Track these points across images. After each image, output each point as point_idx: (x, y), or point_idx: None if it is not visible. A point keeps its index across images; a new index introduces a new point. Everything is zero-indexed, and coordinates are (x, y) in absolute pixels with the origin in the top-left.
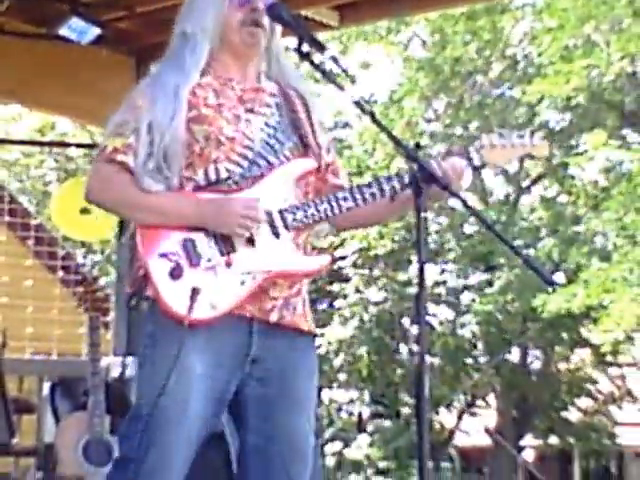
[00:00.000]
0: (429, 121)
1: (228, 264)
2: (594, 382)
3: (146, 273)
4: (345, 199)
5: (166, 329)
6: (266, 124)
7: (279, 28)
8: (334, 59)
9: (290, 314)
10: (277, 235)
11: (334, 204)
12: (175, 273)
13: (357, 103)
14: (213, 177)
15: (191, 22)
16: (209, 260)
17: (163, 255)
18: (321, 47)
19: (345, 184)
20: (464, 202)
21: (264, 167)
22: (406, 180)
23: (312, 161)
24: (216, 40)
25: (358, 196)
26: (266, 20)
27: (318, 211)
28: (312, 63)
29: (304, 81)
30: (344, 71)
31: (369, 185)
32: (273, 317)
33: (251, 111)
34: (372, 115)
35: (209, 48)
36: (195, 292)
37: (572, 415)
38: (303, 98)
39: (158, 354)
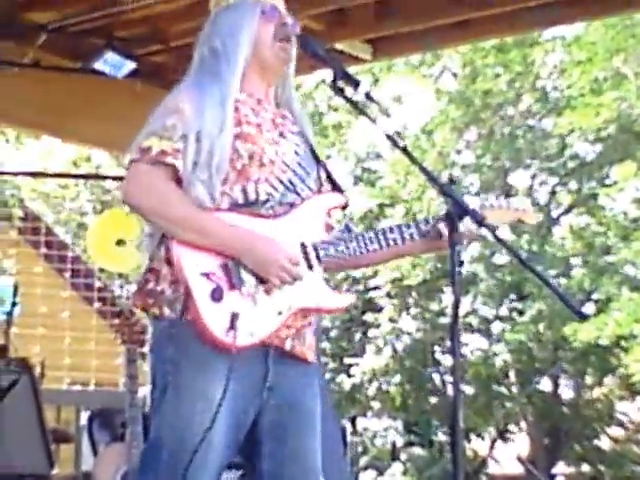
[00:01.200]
0: (460, 152)
1: (267, 292)
2: (624, 411)
3: (187, 292)
4: (371, 241)
5: (190, 355)
6: (296, 152)
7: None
8: (367, 95)
9: (300, 344)
10: (311, 268)
11: (362, 244)
12: (216, 295)
13: (389, 137)
14: (252, 197)
15: (221, 38)
16: (251, 286)
17: (204, 274)
18: (355, 82)
19: (334, 225)
20: (496, 236)
21: (295, 195)
22: (425, 230)
23: (342, 197)
24: (249, 56)
25: (382, 240)
26: (294, 41)
27: (347, 249)
28: (346, 98)
29: (303, 108)
30: (377, 105)
31: (392, 230)
32: (287, 345)
33: (282, 136)
34: (405, 150)
35: (243, 62)
36: (235, 317)
37: (603, 443)
38: (300, 124)
39: (182, 382)
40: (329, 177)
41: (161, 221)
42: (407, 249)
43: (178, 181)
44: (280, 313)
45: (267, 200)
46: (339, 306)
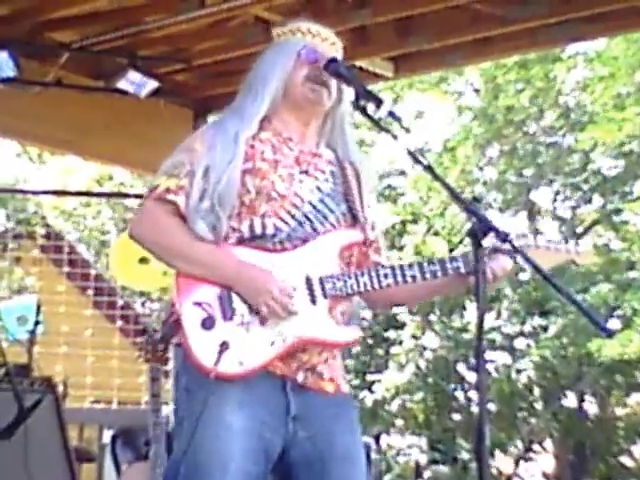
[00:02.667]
0: (482, 169)
1: (262, 322)
2: None
3: (178, 319)
4: (386, 276)
5: (199, 382)
6: (317, 188)
7: (347, 97)
8: (391, 113)
9: (315, 378)
10: (314, 302)
11: (374, 279)
12: (207, 324)
13: (412, 154)
14: (259, 231)
15: (255, 74)
16: (242, 316)
17: (197, 304)
18: (378, 101)
19: (385, 263)
20: (521, 253)
21: (309, 230)
22: (450, 267)
23: (359, 233)
24: (279, 94)
25: (399, 275)
26: (334, 83)
27: (357, 283)
28: (368, 116)
29: (363, 155)
30: (400, 123)
31: (412, 266)
32: (299, 377)
33: (305, 173)
34: (428, 167)
35: (271, 100)
36: (224, 346)
37: (629, 460)
38: (358, 171)
39: (194, 410)
40: (353, 217)
41: (160, 252)
42: (432, 288)
43: (182, 217)
44: (273, 344)
45: (274, 234)
46: (342, 340)
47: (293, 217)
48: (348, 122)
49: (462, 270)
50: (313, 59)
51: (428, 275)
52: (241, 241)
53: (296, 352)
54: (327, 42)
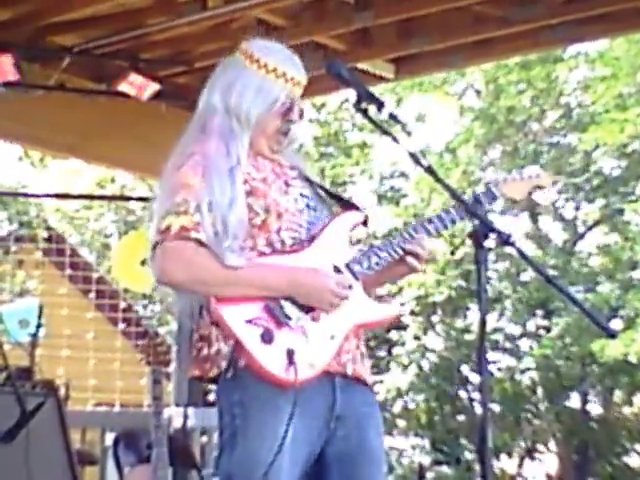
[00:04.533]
0: (484, 169)
1: (315, 320)
2: None
3: (237, 342)
4: (399, 245)
5: (257, 395)
6: (301, 194)
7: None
8: (392, 115)
9: (358, 367)
10: (350, 287)
11: (391, 250)
12: (266, 337)
13: (414, 156)
14: (278, 246)
15: (238, 105)
16: (297, 319)
17: (249, 321)
18: (380, 103)
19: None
20: (522, 253)
21: (312, 230)
22: (448, 219)
23: (359, 214)
24: (255, 131)
25: (409, 238)
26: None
27: (380, 258)
28: (370, 119)
29: (302, 159)
30: (401, 125)
31: (415, 228)
32: (349, 370)
33: (287, 184)
34: (430, 169)
35: (250, 136)
36: (291, 353)
37: (633, 461)
38: (296, 167)
39: (251, 423)
40: (340, 200)
41: (203, 287)
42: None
43: (205, 247)
44: (333, 337)
45: (293, 244)
46: (389, 315)
47: (301, 226)
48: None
49: (457, 221)
50: (288, 112)
51: (432, 230)
52: (260, 256)
53: (343, 343)
54: (299, 87)
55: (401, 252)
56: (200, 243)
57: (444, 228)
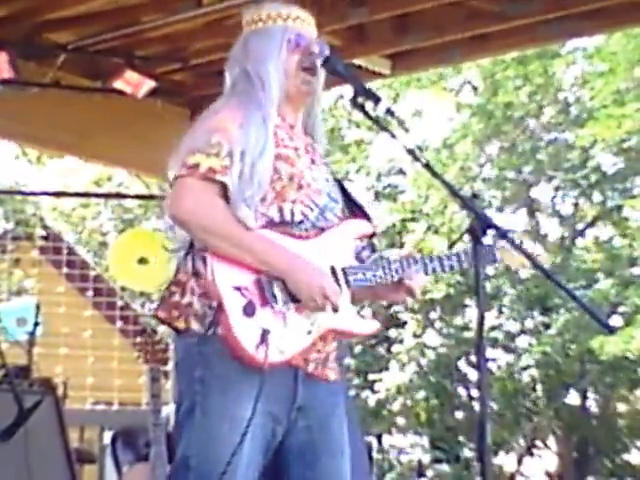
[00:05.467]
0: (482, 166)
1: (298, 311)
2: None
3: (219, 305)
4: (397, 271)
5: (219, 374)
6: (326, 179)
7: (321, 79)
8: (388, 111)
9: (322, 368)
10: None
11: (387, 272)
12: (249, 310)
13: (411, 152)
14: (288, 217)
15: (252, 65)
16: (282, 303)
17: (237, 288)
18: (376, 99)
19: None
20: (522, 249)
21: (326, 220)
22: (447, 264)
23: (369, 225)
24: (281, 83)
25: (406, 269)
26: (320, 64)
27: (374, 276)
28: (366, 114)
29: (325, 138)
30: (398, 121)
31: (416, 261)
32: (310, 368)
33: (314, 162)
34: (427, 165)
35: (278, 88)
36: (266, 334)
37: (633, 457)
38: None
39: (211, 403)
40: (357, 206)
41: (205, 235)
42: (375, 292)
43: (226, 198)
44: (309, 332)
45: (302, 221)
46: (366, 331)
47: (317, 205)
48: (319, 106)
49: (456, 268)
50: (303, 45)
51: (429, 271)
52: (268, 225)
53: (317, 342)
54: (306, 24)
55: (395, 279)
56: (223, 188)
57: (442, 271)
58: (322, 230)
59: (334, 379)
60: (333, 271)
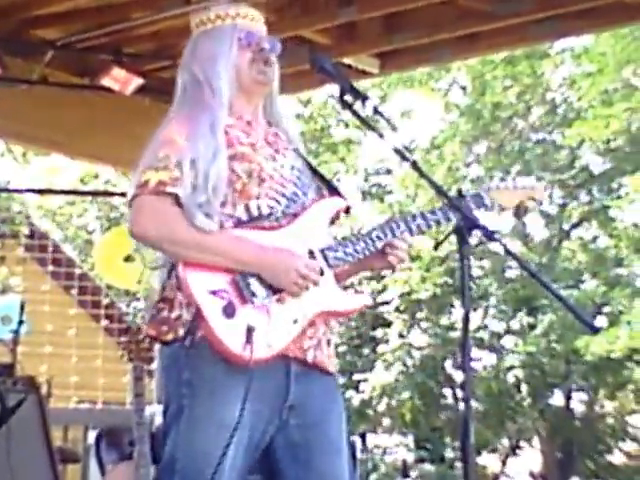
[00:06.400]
0: (469, 166)
1: (280, 301)
2: (638, 425)
3: (197, 311)
4: (379, 237)
5: (206, 377)
6: (292, 167)
7: (277, 71)
8: (376, 109)
9: (320, 354)
10: (321, 273)
11: (369, 243)
12: (228, 311)
13: (398, 151)
14: (255, 213)
15: (202, 67)
16: (263, 298)
17: (213, 292)
18: (363, 98)
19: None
20: (507, 249)
21: (298, 205)
22: (432, 219)
23: (342, 200)
24: (232, 82)
25: (390, 235)
26: (274, 59)
27: (356, 250)
28: (354, 112)
29: (293, 123)
30: (385, 120)
31: (398, 223)
32: (309, 356)
33: (277, 152)
34: (414, 164)
35: (229, 89)
36: (250, 331)
37: (616, 458)
38: (291, 138)
39: (198, 406)
40: (329, 184)
41: (171, 247)
42: (361, 264)
43: (181, 207)
44: (296, 321)
45: (270, 214)
46: (355, 307)
47: (283, 195)
48: (277, 94)
49: (442, 222)
50: (253, 42)
51: (415, 229)
52: (238, 225)
53: (306, 329)
54: (255, 21)
55: (379, 246)
56: (175, 198)
57: (427, 227)
58: (295, 216)
59: (333, 371)
60: (311, 253)
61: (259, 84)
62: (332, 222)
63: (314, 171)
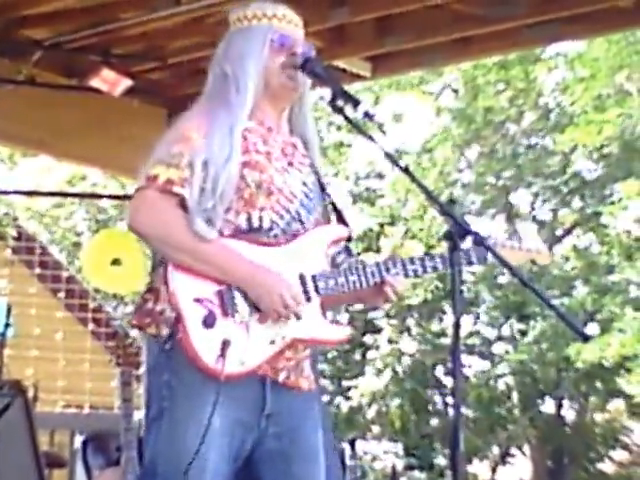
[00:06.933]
0: (461, 171)
1: (261, 321)
2: (629, 433)
3: (178, 316)
4: (373, 274)
5: (185, 380)
6: (304, 183)
7: (307, 79)
8: (367, 114)
9: (296, 375)
10: (308, 299)
11: (362, 277)
12: (209, 321)
13: (390, 156)
14: (256, 224)
15: (232, 64)
16: (244, 314)
17: (197, 300)
18: (355, 102)
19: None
20: (498, 257)
21: (300, 225)
22: (429, 266)
23: (346, 229)
24: (260, 84)
25: (384, 273)
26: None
27: (347, 281)
28: (345, 117)
29: (316, 135)
30: (377, 124)
31: (395, 264)
32: (281, 377)
33: (291, 165)
34: (407, 170)
35: (254, 90)
36: (226, 345)
37: (608, 467)
38: (311, 156)
39: (177, 408)
40: (335, 209)
41: (163, 247)
42: (356, 295)
43: (185, 209)
44: (273, 342)
45: (271, 228)
46: (335, 339)
47: (288, 211)
48: (310, 105)
49: (440, 269)
50: (287, 45)
51: (411, 273)
52: (236, 233)
53: (285, 350)
54: (292, 24)
55: (372, 282)
56: (181, 200)
57: (423, 272)
58: (294, 236)
59: (307, 389)
60: (302, 278)
61: (287, 89)
62: (332, 249)
63: (324, 191)
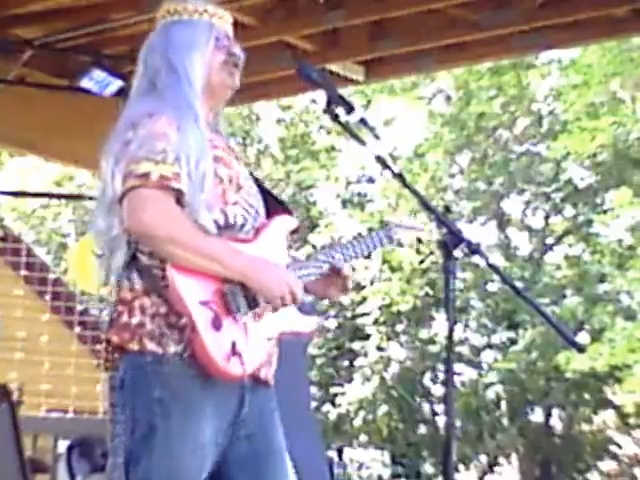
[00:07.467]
0: (453, 176)
1: (256, 317)
2: (618, 444)
3: (191, 324)
4: (324, 261)
5: (179, 394)
6: (249, 177)
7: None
8: (362, 120)
9: (268, 370)
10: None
11: (316, 268)
12: (217, 324)
13: (383, 161)
14: (232, 220)
15: (177, 54)
16: (245, 313)
17: (204, 303)
18: (349, 106)
19: None
20: (489, 264)
21: (258, 220)
22: (381, 238)
23: (294, 220)
24: (203, 79)
25: (347, 256)
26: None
27: (316, 268)
28: (340, 123)
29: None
30: (371, 130)
31: (353, 244)
32: (262, 373)
33: (238, 160)
34: (400, 176)
35: (199, 85)
36: (235, 347)
37: (596, 477)
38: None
39: (172, 424)
40: (278, 201)
41: (176, 249)
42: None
43: (180, 205)
44: (269, 339)
45: (243, 224)
46: (310, 329)
47: (252, 206)
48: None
49: (385, 243)
50: (228, 44)
51: (372, 248)
52: (216, 229)
53: (274, 347)
54: (228, 23)
55: (326, 270)
56: (180, 196)
57: (373, 249)
58: (257, 231)
59: (271, 382)
60: None
61: (227, 87)
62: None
63: (259, 185)
